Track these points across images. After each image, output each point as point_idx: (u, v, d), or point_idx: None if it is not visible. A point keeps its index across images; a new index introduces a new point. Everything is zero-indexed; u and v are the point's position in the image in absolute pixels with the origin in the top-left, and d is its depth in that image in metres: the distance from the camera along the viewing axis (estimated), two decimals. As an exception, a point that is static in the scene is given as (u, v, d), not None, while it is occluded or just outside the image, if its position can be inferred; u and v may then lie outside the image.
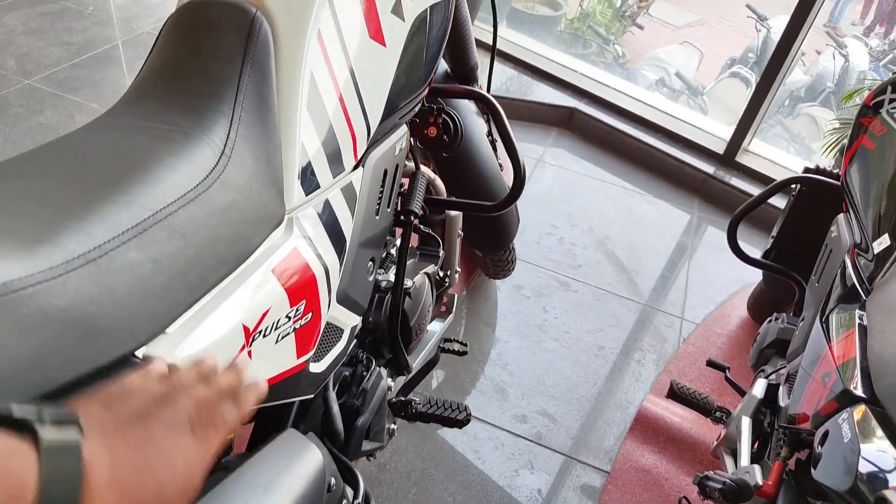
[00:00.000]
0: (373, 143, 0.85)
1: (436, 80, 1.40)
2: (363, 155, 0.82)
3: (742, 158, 2.43)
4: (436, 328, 1.25)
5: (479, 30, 2.76)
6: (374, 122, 0.83)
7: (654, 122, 2.57)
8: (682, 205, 2.36)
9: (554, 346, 1.72)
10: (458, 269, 1.29)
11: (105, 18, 2.84)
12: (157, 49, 0.71)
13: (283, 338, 0.65)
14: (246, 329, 0.59)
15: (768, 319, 1.28)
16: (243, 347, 0.59)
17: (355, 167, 0.81)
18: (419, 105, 0.97)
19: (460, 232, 1.26)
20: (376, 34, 0.81)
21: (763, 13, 4.54)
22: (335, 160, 0.76)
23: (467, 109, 1.39)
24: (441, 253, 1.14)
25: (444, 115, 1.11)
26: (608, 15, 4.27)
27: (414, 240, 1.20)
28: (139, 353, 0.49)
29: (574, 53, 4.15)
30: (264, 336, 0.62)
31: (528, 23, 3.84)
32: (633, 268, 2.03)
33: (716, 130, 2.56)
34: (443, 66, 1.41)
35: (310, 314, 0.70)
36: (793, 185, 1.34)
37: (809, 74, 4.46)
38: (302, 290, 0.68)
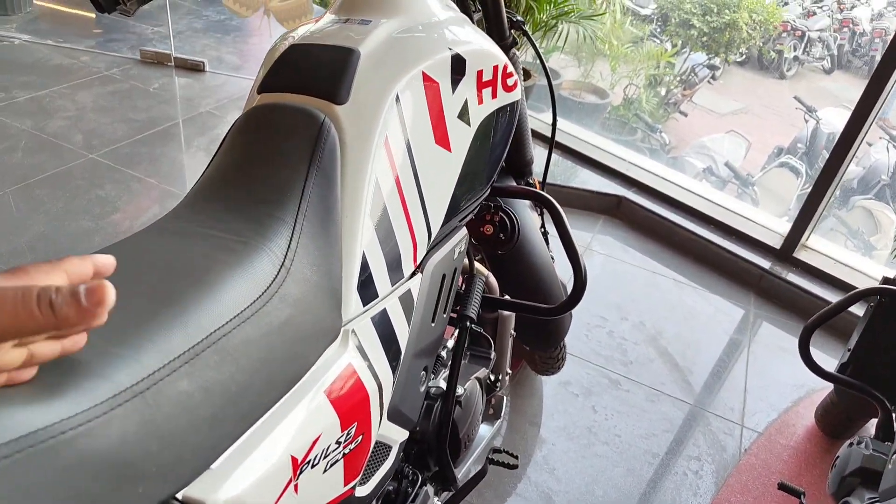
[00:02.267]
0: (432, 248, 0.82)
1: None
2: (422, 260, 0.79)
3: (800, 254, 2.34)
4: (484, 433, 1.17)
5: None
6: (436, 227, 0.80)
7: (704, 213, 2.51)
8: (737, 300, 2.26)
9: (604, 451, 1.61)
10: (510, 371, 1.23)
11: (168, 97, 2.98)
12: (223, 151, 0.70)
13: (331, 465, 0.60)
14: (294, 461, 0.54)
15: (849, 442, 1.16)
16: (289, 482, 0.53)
17: (413, 273, 0.78)
18: (479, 205, 0.94)
19: (513, 332, 1.20)
20: (442, 139, 0.80)
21: (811, 105, 4.53)
22: (395, 267, 0.73)
23: (521, 204, 1.36)
24: (493, 355, 1.08)
25: (501, 214, 1.08)
26: (653, 103, 4.30)
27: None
28: (179, 494, 0.45)
29: (620, 140, 4.18)
30: (313, 466, 0.57)
31: (574, 110, 3.89)
32: (688, 367, 1.93)
33: (770, 224, 2.48)
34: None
35: (360, 437, 0.65)
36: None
37: (861, 166, 4.38)
38: (354, 411, 0.63)
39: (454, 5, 0.97)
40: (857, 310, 1.87)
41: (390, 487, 0.86)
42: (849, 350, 1.28)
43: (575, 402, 1.74)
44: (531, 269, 1.24)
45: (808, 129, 4.52)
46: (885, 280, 1.23)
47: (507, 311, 1.21)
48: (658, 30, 4.99)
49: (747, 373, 1.94)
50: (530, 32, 2.49)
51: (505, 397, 1.21)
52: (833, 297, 2.19)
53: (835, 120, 4.50)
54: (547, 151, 1.40)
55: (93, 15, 3.86)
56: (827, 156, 2.26)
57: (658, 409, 1.76)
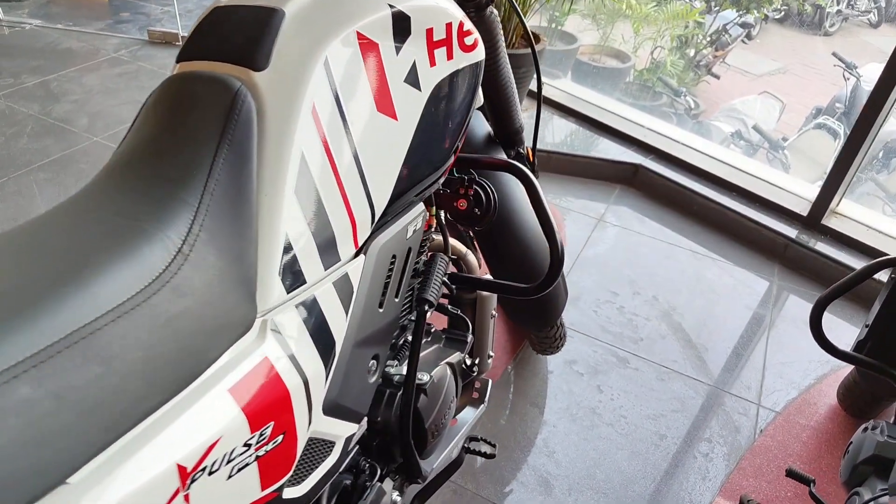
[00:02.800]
0: (379, 227, 0.75)
1: (476, 145, 1.31)
2: (366, 241, 0.73)
3: (829, 221, 2.19)
4: (467, 417, 1.12)
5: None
6: (381, 204, 0.73)
7: (727, 181, 2.37)
8: (760, 272, 2.14)
9: (608, 433, 1.54)
10: (492, 354, 1.16)
11: (176, 77, 2.95)
12: (135, 128, 0.64)
13: (238, 470, 0.55)
14: (182, 469, 0.48)
15: (863, 427, 1.07)
16: (177, 492, 0.48)
17: (356, 255, 0.71)
18: (440, 180, 0.87)
19: (494, 312, 1.13)
20: (385, 107, 0.72)
21: (851, 61, 4.26)
22: (328, 250, 0.67)
23: (506, 175, 1.28)
24: (470, 338, 1.02)
25: (475, 187, 1.00)
26: (679, 66, 4.10)
27: (441, 322, 1.09)
28: (25, 512, 0.40)
29: (642, 106, 4.00)
30: (210, 473, 0.51)
31: (593, 76, 3.73)
32: (703, 343, 1.83)
33: (798, 189, 2.34)
34: (485, 128, 1.31)
35: (280, 436, 0.59)
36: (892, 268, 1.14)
37: (906, 124, 4.11)
38: (269, 409, 0.57)
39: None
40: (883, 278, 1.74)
41: (347, 482, 0.81)
42: (867, 326, 1.17)
43: (580, 381, 1.67)
44: (517, 244, 1.17)
45: (847, 88, 4.26)
46: (909, 250, 1.11)
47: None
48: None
49: (767, 349, 1.84)
50: (537, -6, 2.36)
51: (489, 381, 1.14)
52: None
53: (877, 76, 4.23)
54: (536, 117, 1.31)
55: (105, -4, 3.86)
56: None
57: (668, 389, 1.68)
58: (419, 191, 0.82)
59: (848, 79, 4.26)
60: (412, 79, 0.75)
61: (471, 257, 1.09)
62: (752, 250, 2.22)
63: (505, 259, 1.24)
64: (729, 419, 1.61)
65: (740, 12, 4.71)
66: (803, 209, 2.24)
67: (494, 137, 1.33)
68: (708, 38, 5.06)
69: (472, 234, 1.30)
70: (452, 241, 1.09)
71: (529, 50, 2.44)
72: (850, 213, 2.22)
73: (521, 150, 1.36)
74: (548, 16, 3.37)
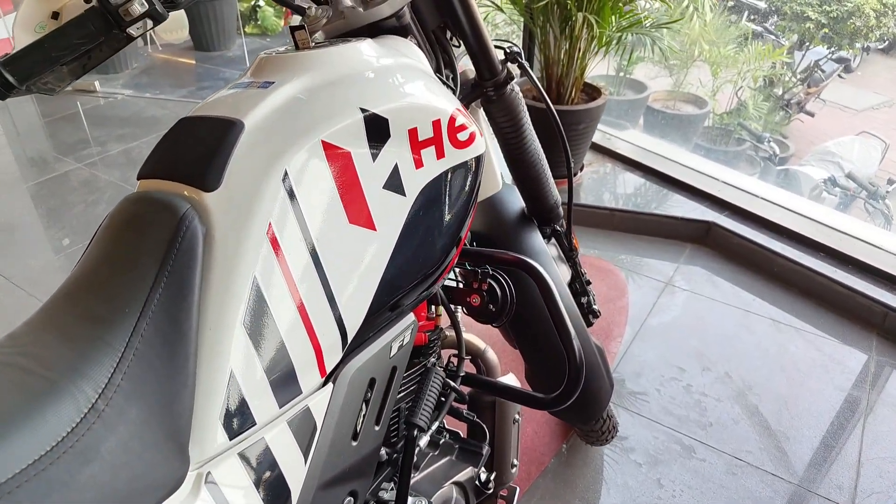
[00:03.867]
0: (355, 348, 0.68)
1: (509, 224, 1.22)
2: (336, 367, 0.65)
3: (938, 287, 1.92)
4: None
5: (604, 135, 2.55)
6: (355, 324, 0.66)
7: (814, 240, 2.14)
8: (855, 345, 1.89)
9: (668, 539, 1.37)
10: (516, 462, 1.05)
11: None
12: (84, 255, 0.61)
13: None
14: None
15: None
16: None
17: (323, 384, 0.64)
18: (436, 283, 0.79)
19: (518, 416, 1.02)
20: (360, 217, 0.66)
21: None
22: (284, 385, 0.60)
23: (546, 256, 1.18)
24: (486, 449, 0.92)
25: (489, 281, 0.92)
26: (764, 109, 3.85)
27: (460, 427, 0.99)
28: None
29: (721, 153, 3.77)
30: None
31: (665, 124, 3.56)
32: (784, 431, 1.61)
33: (899, 249, 2.07)
34: (519, 204, 1.23)
35: None
36: None
37: None
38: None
39: (414, 49, 0.83)
40: None
41: None
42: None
43: (637, 473, 1.50)
44: (546, 343, 1.06)
45: (962, 125, 3.84)
46: None
47: None
48: (766, 25, 4.49)
49: (863, 440, 1.59)
50: (594, 48, 2.28)
51: (516, 489, 1.03)
52: (985, 341, 1.76)
53: None
54: (568, 192, 1.20)
55: (193, 62, 4.12)
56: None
57: (741, 485, 1.48)
58: (408, 301, 0.74)
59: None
60: (394, 184, 0.68)
61: (490, 354, 1.00)
62: (844, 319, 1.98)
63: (534, 358, 1.13)
64: (814, 527, 1.40)
65: (832, 49, 4.39)
66: (905, 273, 1.97)
67: (529, 215, 1.23)
68: (798, 77, 4.76)
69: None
70: (469, 338, 1.01)
71: (587, 106, 2.35)
72: (963, 278, 1.93)
73: (559, 227, 1.26)
74: (615, 64, 3.26)
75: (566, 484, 1.48)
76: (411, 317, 0.76)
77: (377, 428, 0.71)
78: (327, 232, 0.63)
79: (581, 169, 2.63)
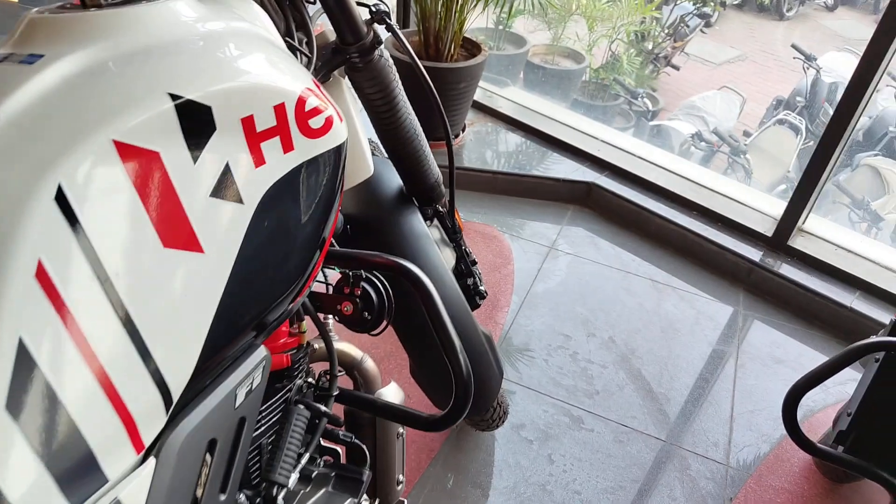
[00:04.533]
0: (185, 406, 0.53)
1: (386, 205, 1.09)
2: (158, 437, 0.51)
3: (796, 241, 2.03)
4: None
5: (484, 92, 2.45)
6: (182, 378, 0.51)
7: (687, 198, 2.20)
8: (724, 300, 1.97)
9: (560, 516, 1.35)
10: (402, 479, 0.95)
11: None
12: None
13: None
14: None
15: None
16: None
17: (142, 461, 0.49)
18: (297, 299, 0.65)
19: (402, 430, 0.92)
20: (180, 238, 0.50)
21: (811, 52, 4.14)
22: (78, 477, 0.44)
23: (427, 240, 1.07)
24: (366, 474, 0.81)
25: (363, 285, 0.79)
26: (637, 63, 3.93)
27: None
28: None
29: (598, 108, 3.82)
30: None
31: (545, 81, 3.53)
32: (664, 392, 1.65)
33: (763, 206, 2.17)
34: (397, 182, 1.10)
35: None
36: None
37: (868, 116, 4.01)
38: None
39: (253, 7, 0.66)
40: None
41: None
42: (848, 415, 0.99)
43: (529, 450, 1.47)
44: (434, 342, 0.96)
45: (807, 80, 4.14)
46: (895, 327, 0.94)
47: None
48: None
49: (734, 394, 1.67)
50: (473, 1, 2.14)
51: (405, 501, 0.94)
52: (835, 292, 1.89)
53: (839, 66, 4.11)
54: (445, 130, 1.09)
55: None
56: (829, 110, 1.92)
57: (627, 452, 1.49)
58: (256, 331, 0.60)
59: (807, 70, 4.14)
60: (226, 190, 0.53)
61: (368, 365, 0.88)
62: (714, 275, 2.05)
63: (419, 357, 1.03)
64: (696, 486, 1.44)
65: (697, 4, 4.55)
66: (768, 229, 2.07)
67: (408, 194, 1.11)
68: (665, 31, 4.91)
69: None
70: (343, 347, 0.88)
71: (467, 63, 2.23)
72: (817, 231, 2.06)
73: (441, 207, 1.14)
74: (494, 17, 3.15)
75: (458, 470, 1.42)
76: (262, 351, 0.62)
77: (224, 496, 0.57)
78: (131, 262, 0.47)
79: (463, 129, 2.53)
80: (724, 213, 2.13)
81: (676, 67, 5.39)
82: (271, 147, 0.56)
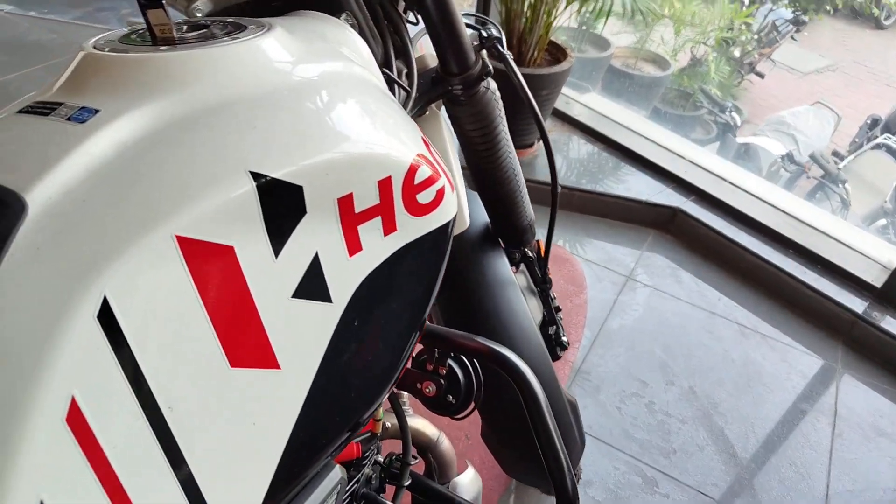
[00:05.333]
0: None
1: (468, 248, 0.97)
2: None
3: (909, 295, 1.81)
4: None
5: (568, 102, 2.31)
6: None
7: (782, 234, 1.99)
8: (821, 354, 1.77)
9: None
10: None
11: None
12: None
13: None
14: None
15: None
16: None
17: None
18: (379, 407, 0.54)
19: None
20: (252, 353, 0.39)
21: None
22: None
23: (514, 289, 0.94)
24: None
25: (449, 363, 0.67)
26: (725, 72, 3.67)
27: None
28: None
29: (680, 118, 3.59)
30: None
31: (627, 87, 3.33)
32: (749, 458, 1.48)
33: (870, 250, 1.95)
34: (483, 219, 0.97)
35: None
36: None
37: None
38: None
39: (350, 36, 0.54)
40: None
41: None
42: None
43: (595, 513, 1.34)
44: (520, 431, 0.84)
45: (913, 101, 3.80)
46: None
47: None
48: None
49: (830, 469, 1.48)
50: (563, 3, 1.98)
51: None
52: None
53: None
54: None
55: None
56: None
57: (707, 527, 1.34)
58: (334, 446, 0.49)
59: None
60: (312, 288, 0.41)
61: (444, 447, 0.76)
62: (810, 325, 1.85)
63: (499, 432, 0.91)
64: (783, 576, 1.28)
65: (797, 12, 4.22)
66: (876, 277, 1.85)
67: (494, 233, 0.98)
68: (756, 37, 4.60)
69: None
70: (418, 425, 0.76)
71: (552, 70, 2.07)
72: (934, 285, 1.83)
73: (530, 251, 1.01)
74: (577, 18, 2.96)
75: (516, 528, 1.30)
76: (337, 473, 0.50)
77: None
78: (189, 391, 0.36)
79: (537, 139, 2.38)
80: (826, 254, 1.92)
81: (761, 75, 5.05)
82: (370, 230, 0.44)
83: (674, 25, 3.39)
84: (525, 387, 0.62)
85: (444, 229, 0.50)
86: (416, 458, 0.73)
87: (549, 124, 2.48)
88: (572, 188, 2.16)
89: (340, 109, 0.43)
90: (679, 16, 3.19)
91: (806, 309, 1.87)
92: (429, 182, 0.46)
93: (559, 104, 2.55)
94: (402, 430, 0.69)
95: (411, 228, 0.47)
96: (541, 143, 2.36)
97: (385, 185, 0.43)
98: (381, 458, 0.72)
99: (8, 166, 0.34)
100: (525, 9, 2.02)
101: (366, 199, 0.42)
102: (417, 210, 0.46)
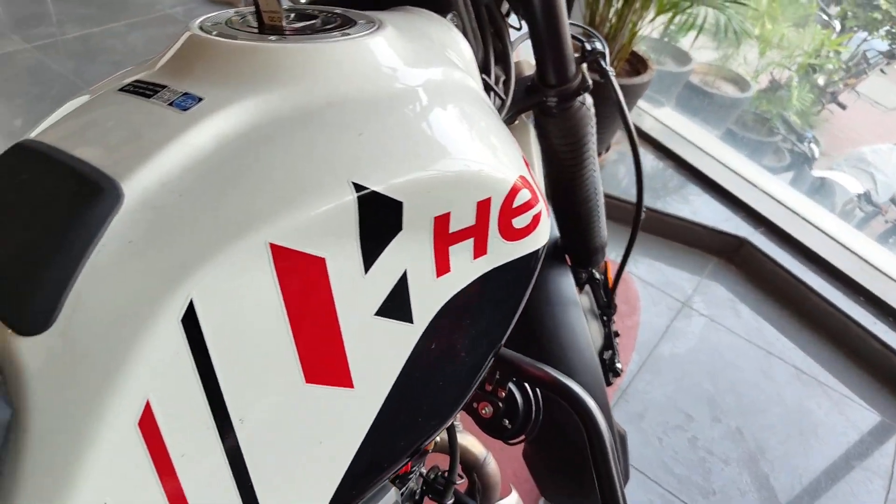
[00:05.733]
0: None
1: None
2: None
3: None
4: None
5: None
6: None
7: (853, 279, 1.89)
8: (884, 413, 1.68)
9: None
10: None
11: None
12: None
13: None
14: None
15: None
16: None
17: None
18: (443, 429, 0.51)
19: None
20: (328, 370, 0.37)
21: None
22: None
23: (577, 309, 0.91)
24: None
25: (510, 386, 0.64)
26: (807, 101, 3.51)
27: None
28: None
29: (755, 143, 3.45)
30: None
31: (704, 104, 3.21)
32: (794, 511, 1.41)
33: (948, 307, 1.83)
34: (553, 229, 0.94)
35: None
36: None
37: None
38: None
39: (454, 35, 0.52)
40: None
41: None
42: None
43: (624, 544, 1.29)
44: (572, 464, 0.81)
45: None
46: None
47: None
48: (825, 8, 4.06)
49: (881, 535, 1.40)
50: (651, 14, 1.92)
51: None
52: None
53: None
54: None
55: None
56: None
57: (740, 577, 1.28)
58: (395, 467, 0.47)
59: None
60: (395, 307, 0.39)
61: (490, 469, 0.73)
62: (874, 380, 1.75)
63: (542, 455, 0.88)
64: None
65: (893, 45, 4.01)
66: (953, 338, 1.74)
67: (563, 249, 0.94)
68: (843, 66, 4.39)
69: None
70: (466, 443, 0.74)
71: (631, 81, 2.01)
72: None
73: (597, 272, 0.97)
74: (664, 30, 2.87)
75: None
76: (393, 495, 0.48)
77: None
78: (261, 404, 0.35)
79: (607, 149, 2.31)
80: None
81: (843, 106, 4.82)
82: (460, 251, 0.41)
83: (759, 46, 3.24)
84: (591, 425, 0.59)
85: (534, 256, 0.47)
86: (461, 476, 0.71)
87: (619, 136, 2.41)
88: (634, 204, 2.09)
89: (447, 121, 0.40)
90: (767, 37, 3.05)
91: (870, 361, 1.77)
92: (527, 206, 0.43)
93: (632, 115, 2.47)
94: (452, 448, 0.66)
95: (502, 253, 0.44)
96: (608, 153, 2.30)
97: (483, 207, 0.40)
98: (424, 471, 0.70)
99: (107, 149, 0.33)
100: (611, 15, 1.96)
101: (462, 219, 0.40)
102: (511, 234, 0.44)
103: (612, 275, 1.03)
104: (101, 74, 2.27)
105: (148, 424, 0.30)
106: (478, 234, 0.41)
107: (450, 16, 0.53)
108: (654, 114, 2.53)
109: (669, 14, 1.98)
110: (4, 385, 0.30)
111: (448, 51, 0.49)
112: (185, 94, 0.35)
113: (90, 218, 0.30)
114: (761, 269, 1.98)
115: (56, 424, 0.28)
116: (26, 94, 2.15)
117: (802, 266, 1.94)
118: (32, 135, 0.36)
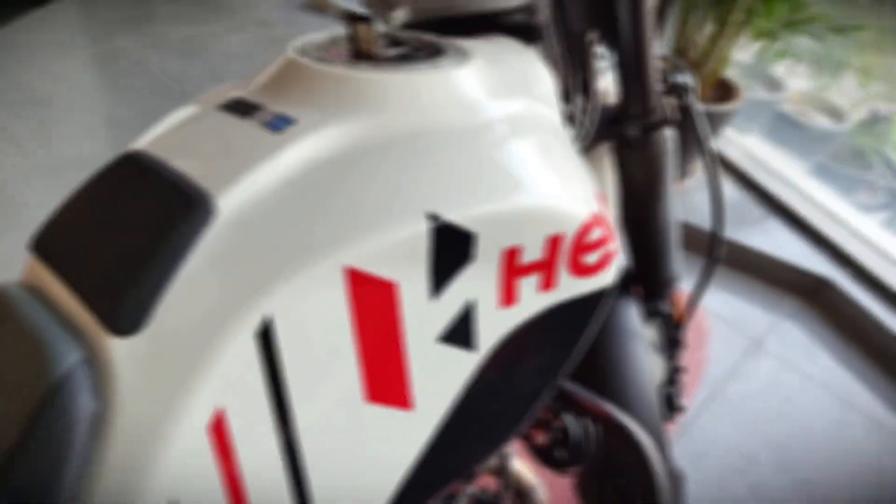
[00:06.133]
0: None
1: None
2: None
3: None
4: None
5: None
6: None
7: (950, 333, 1.76)
8: (970, 479, 1.55)
9: None
10: None
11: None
12: None
13: None
14: None
15: None
16: None
17: None
18: (493, 457, 0.51)
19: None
20: (389, 390, 0.38)
21: None
22: None
23: (641, 343, 0.89)
24: None
25: (564, 417, 0.64)
26: (910, 137, 3.28)
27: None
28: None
29: (845, 176, 3.26)
30: None
31: (794, 135, 3.07)
32: (861, 575, 1.32)
33: None
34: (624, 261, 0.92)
35: None
36: None
37: None
38: None
39: (537, 65, 0.52)
40: None
41: None
42: None
43: (673, 587, 1.25)
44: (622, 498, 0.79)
45: None
46: None
47: None
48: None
49: None
50: (741, 41, 1.85)
51: None
52: None
53: None
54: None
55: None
56: None
57: None
58: (443, 491, 0.47)
59: None
60: (459, 335, 0.40)
61: (539, 497, 0.73)
62: (964, 443, 1.62)
63: (593, 488, 0.86)
64: None
65: None
66: None
67: (633, 278, 0.93)
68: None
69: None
70: (518, 468, 0.73)
71: (718, 109, 1.95)
72: None
73: (665, 307, 0.95)
74: (754, 51, 2.76)
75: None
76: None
77: None
78: (325, 418, 0.36)
79: (688, 176, 2.25)
80: None
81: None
82: (527, 284, 0.41)
83: (859, 77, 3.07)
84: (642, 464, 0.58)
85: (602, 294, 0.46)
86: (510, 502, 0.70)
87: (699, 162, 2.34)
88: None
89: (523, 155, 0.40)
90: (869, 68, 2.89)
91: (962, 424, 1.64)
92: (598, 244, 0.43)
93: (715, 142, 2.40)
94: (504, 473, 0.66)
95: (569, 288, 0.44)
96: (689, 180, 2.23)
97: (554, 242, 0.41)
98: (475, 491, 0.70)
99: (205, 165, 0.35)
100: (701, 39, 1.91)
101: (532, 252, 0.40)
102: (580, 270, 0.43)
103: (682, 308, 1.00)
104: (202, 73, 2.40)
105: (217, 431, 0.32)
106: (547, 269, 0.42)
107: (536, 47, 0.54)
108: (739, 140, 2.44)
109: (766, 42, 1.90)
110: (91, 374, 0.32)
111: (530, 82, 0.49)
112: (280, 116, 0.37)
113: (186, 230, 0.32)
114: (844, 312, 1.87)
115: (136, 423, 0.31)
116: (132, 87, 2.30)
117: (890, 312, 1.82)
118: (140, 145, 0.38)
